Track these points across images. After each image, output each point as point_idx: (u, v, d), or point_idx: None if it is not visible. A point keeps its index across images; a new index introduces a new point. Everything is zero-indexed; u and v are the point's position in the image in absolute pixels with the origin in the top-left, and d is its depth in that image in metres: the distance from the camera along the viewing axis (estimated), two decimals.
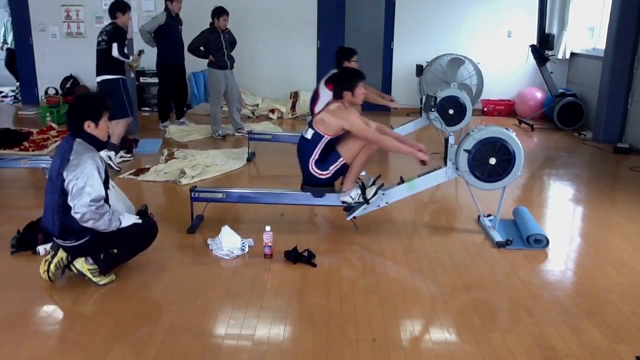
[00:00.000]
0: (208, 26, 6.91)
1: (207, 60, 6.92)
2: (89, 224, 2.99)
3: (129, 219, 3.19)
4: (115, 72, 5.62)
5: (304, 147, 3.86)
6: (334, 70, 5.78)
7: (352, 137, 3.80)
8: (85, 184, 2.94)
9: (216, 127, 7.03)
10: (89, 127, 3.05)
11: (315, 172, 3.84)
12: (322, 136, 3.78)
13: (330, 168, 3.82)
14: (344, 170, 3.86)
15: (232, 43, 7.05)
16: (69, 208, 2.97)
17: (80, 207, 2.94)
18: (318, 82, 5.91)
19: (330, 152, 3.84)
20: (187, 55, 7.22)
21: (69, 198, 2.96)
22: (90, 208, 2.95)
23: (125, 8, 5.68)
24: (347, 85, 3.85)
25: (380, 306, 2.98)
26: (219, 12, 6.79)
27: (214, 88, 6.99)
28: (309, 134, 3.83)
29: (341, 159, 3.81)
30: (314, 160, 3.82)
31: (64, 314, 2.92)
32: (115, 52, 5.53)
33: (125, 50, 5.68)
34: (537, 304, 3.03)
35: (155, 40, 7.15)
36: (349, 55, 5.72)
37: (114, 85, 5.60)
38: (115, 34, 5.58)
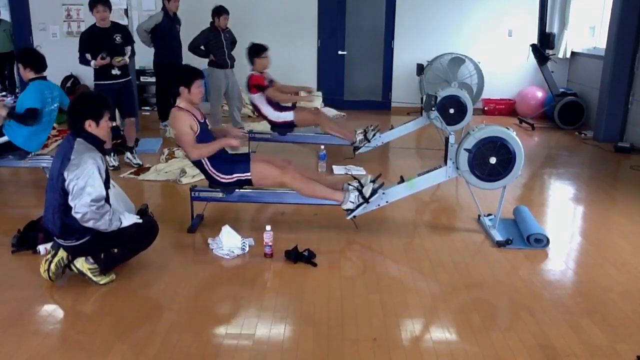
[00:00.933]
0: (208, 26, 6.91)
1: (207, 60, 6.92)
2: (89, 224, 2.99)
3: (130, 219, 3.19)
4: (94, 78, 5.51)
5: (192, 161, 3.87)
6: (250, 72, 5.85)
7: (269, 166, 3.81)
8: (86, 184, 2.94)
9: (216, 126, 7.04)
10: (89, 126, 3.05)
11: (214, 174, 3.83)
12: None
13: (234, 175, 3.82)
14: (247, 183, 3.86)
15: (233, 42, 7.06)
16: (70, 208, 2.97)
17: (80, 207, 2.94)
18: None
19: (242, 160, 3.87)
20: (186, 55, 7.20)
21: (70, 198, 2.96)
22: (90, 208, 2.95)
23: (92, 5, 5.24)
24: (182, 81, 3.75)
25: (380, 305, 2.97)
26: (219, 11, 6.78)
27: (214, 87, 6.99)
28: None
29: (248, 174, 3.80)
30: (207, 165, 3.80)
31: (65, 313, 2.92)
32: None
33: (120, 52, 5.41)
34: (537, 303, 3.03)
35: (152, 40, 7.12)
36: (260, 52, 5.84)
37: None
38: (79, 40, 5.42)
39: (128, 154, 5.69)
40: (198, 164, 3.85)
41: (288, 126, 5.91)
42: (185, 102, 3.81)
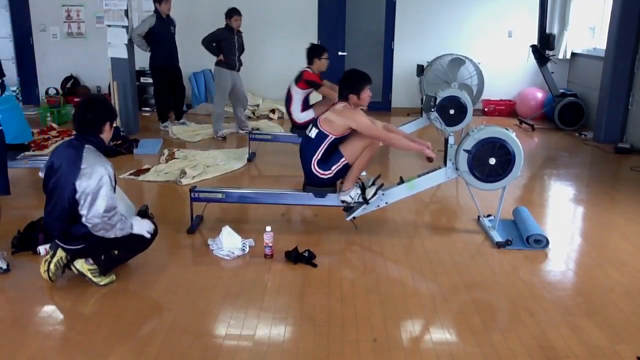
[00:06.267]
0: (211, 26, 6.93)
1: (209, 60, 6.93)
2: (99, 234, 3.00)
3: (139, 227, 3.15)
4: None
5: (308, 147, 3.85)
6: (305, 68, 5.82)
7: (356, 138, 3.79)
8: (98, 195, 2.93)
9: (218, 125, 7.03)
10: (109, 129, 3.08)
11: (317, 172, 3.83)
12: (327, 136, 3.76)
13: (333, 168, 3.81)
14: (345, 170, 3.85)
15: (242, 48, 7.11)
16: (76, 217, 2.96)
17: (92, 217, 2.93)
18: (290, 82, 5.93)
19: (332, 152, 3.82)
20: (186, 56, 7.20)
21: (80, 207, 2.94)
22: (103, 219, 2.94)
23: None
24: (353, 89, 3.81)
25: (380, 306, 2.97)
26: (231, 13, 6.87)
27: (220, 87, 7.00)
28: (313, 133, 3.81)
29: (343, 159, 3.79)
30: (316, 160, 3.81)
31: (65, 314, 2.92)
32: None
33: None
34: (537, 303, 3.03)
35: (147, 43, 7.11)
36: (320, 53, 5.83)
37: None
38: None
39: None
40: (306, 159, 3.84)
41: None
42: (353, 104, 3.84)
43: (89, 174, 2.92)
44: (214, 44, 6.84)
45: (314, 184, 3.89)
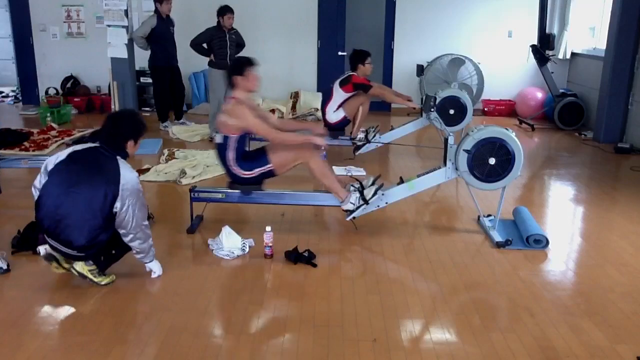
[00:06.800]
0: (207, 25, 6.90)
1: (206, 59, 6.90)
2: (135, 244, 3.08)
3: (157, 265, 3.27)
4: None
5: (219, 151, 3.82)
6: (350, 72, 5.86)
7: (285, 149, 3.79)
8: (138, 206, 3.02)
9: (214, 127, 7.01)
10: (133, 145, 3.15)
11: (237, 171, 3.80)
12: (229, 137, 3.73)
13: (255, 170, 3.79)
14: (270, 175, 3.84)
15: (239, 44, 7.01)
16: (108, 228, 3.00)
17: (135, 227, 3.03)
18: (332, 82, 5.98)
19: (259, 154, 3.83)
20: (186, 56, 7.18)
21: (122, 220, 2.99)
22: (142, 228, 3.07)
23: None
24: (236, 71, 3.76)
25: (380, 306, 2.97)
26: (223, 11, 6.74)
27: (212, 88, 6.98)
28: (218, 138, 3.79)
29: (270, 165, 3.78)
30: (233, 160, 3.77)
31: (65, 314, 2.92)
32: None
33: None
34: (537, 303, 3.03)
35: (148, 43, 7.09)
36: (364, 58, 5.89)
37: None
38: None
39: None
40: (222, 161, 3.83)
41: (341, 125, 5.94)
42: (243, 92, 3.79)
43: (128, 185, 2.99)
44: (204, 44, 6.79)
45: (237, 182, 3.88)
